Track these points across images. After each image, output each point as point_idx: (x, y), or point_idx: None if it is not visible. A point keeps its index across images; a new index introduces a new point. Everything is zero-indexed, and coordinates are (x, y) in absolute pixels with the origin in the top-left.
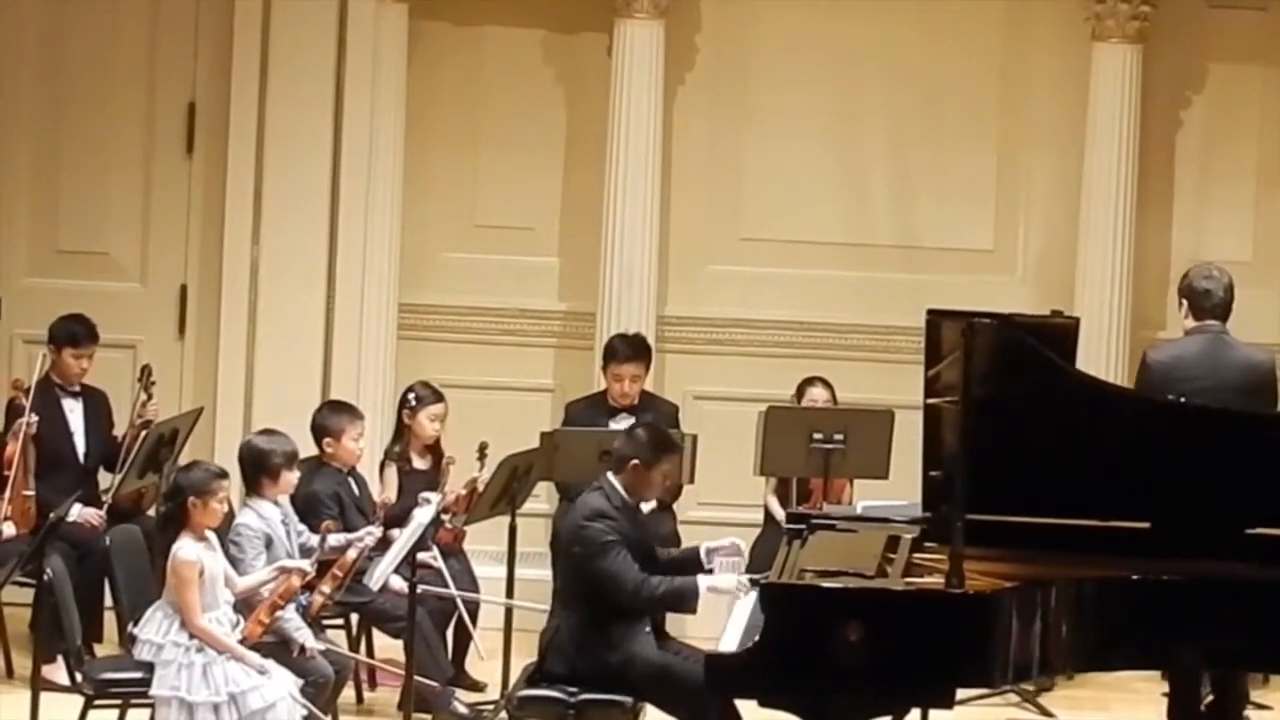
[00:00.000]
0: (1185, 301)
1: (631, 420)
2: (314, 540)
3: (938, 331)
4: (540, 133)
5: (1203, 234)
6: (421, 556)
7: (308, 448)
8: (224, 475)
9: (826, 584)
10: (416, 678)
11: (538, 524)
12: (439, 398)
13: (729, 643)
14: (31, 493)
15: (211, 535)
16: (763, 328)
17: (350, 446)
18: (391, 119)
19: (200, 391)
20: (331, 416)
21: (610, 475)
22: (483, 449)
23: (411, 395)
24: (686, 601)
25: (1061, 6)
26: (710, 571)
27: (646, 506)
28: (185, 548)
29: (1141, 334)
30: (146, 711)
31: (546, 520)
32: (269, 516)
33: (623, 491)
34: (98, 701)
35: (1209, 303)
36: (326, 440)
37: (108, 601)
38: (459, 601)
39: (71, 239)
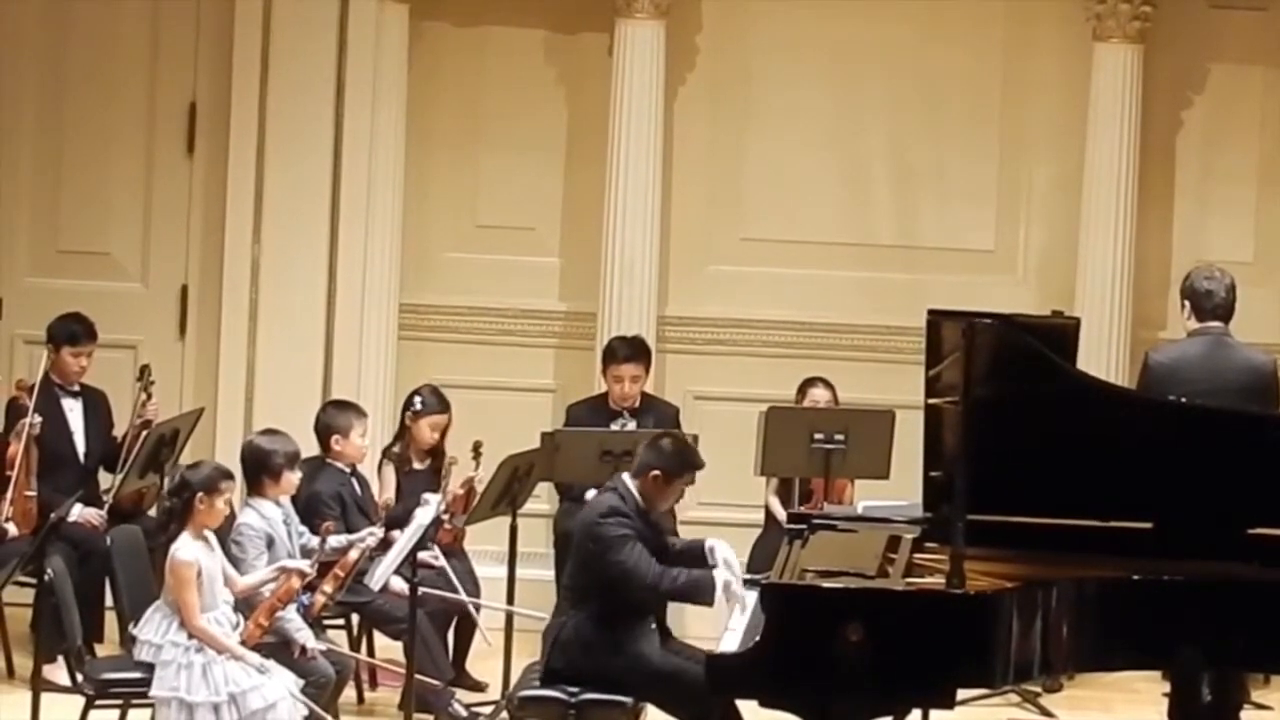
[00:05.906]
0: (1187, 303)
1: (633, 423)
2: (315, 541)
3: (938, 332)
4: (541, 133)
5: (1203, 234)
6: (422, 556)
7: (309, 448)
8: (231, 476)
9: (827, 584)
10: (418, 677)
11: (538, 524)
12: (444, 409)
13: (730, 643)
14: (34, 493)
15: (210, 535)
16: (763, 328)
17: (358, 444)
18: (392, 119)
19: (201, 392)
20: (338, 415)
21: (626, 478)
22: (477, 447)
23: (418, 400)
24: (704, 594)
25: (1062, 6)
26: (714, 567)
27: None
28: (183, 548)
29: (1142, 334)
30: (147, 712)
31: (547, 521)
32: (270, 516)
33: (637, 496)
34: (98, 702)
35: (1210, 303)
36: (334, 438)
37: (108, 602)
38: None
39: (72, 239)
